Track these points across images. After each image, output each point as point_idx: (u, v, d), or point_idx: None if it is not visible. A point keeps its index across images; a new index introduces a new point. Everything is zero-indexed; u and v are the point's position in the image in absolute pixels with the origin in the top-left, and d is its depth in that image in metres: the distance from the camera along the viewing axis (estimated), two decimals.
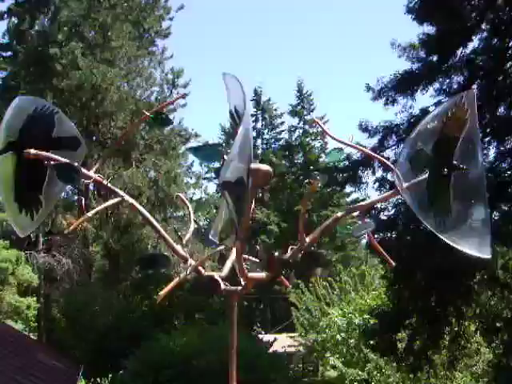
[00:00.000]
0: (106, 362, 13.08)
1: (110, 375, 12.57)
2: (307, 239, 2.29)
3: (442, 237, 2.01)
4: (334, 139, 2.57)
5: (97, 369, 13.50)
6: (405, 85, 15.36)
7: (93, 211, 2.49)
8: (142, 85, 22.18)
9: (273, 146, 41.32)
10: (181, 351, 9.50)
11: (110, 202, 2.42)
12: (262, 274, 2.31)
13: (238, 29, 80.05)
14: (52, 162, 2.18)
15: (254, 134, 39.96)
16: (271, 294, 37.11)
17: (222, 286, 2.31)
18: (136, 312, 16.53)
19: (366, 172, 15.81)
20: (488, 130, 14.89)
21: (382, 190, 15.33)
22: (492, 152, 15.01)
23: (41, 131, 2.31)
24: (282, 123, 41.18)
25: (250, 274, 2.30)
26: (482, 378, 16.50)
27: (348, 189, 19.00)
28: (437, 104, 15.22)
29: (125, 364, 10.30)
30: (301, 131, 40.70)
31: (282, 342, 25.76)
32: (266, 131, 39.71)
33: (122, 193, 2.41)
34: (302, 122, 40.55)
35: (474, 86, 15.30)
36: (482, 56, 14.70)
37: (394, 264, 2.22)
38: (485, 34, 14.46)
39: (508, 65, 14.43)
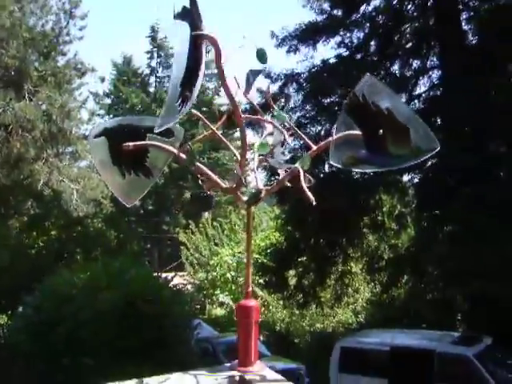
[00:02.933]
0: (5, 299, 12.78)
1: (10, 312, 12.35)
2: None
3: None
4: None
5: None
6: (308, 35, 15.76)
7: None
8: (37, 12, 20.84)
9: (166, 84, 40.50)
10: (85, 285, 9.36)
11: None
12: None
13: None
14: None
15: (148, 71, 38.98)
16: (158, 233, 37.33)
17: (243, 198, 2.77)
18: (34, 248, 16.16)
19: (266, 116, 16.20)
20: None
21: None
22: None
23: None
24: None
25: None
26: (360, 314, 18.10)
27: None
28: (337, 57, 15.93)
29: (26, 300, 10.08)
30: None
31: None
32: (160, 69, 38.81)
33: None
34: None
35: (372, 43, 16.17)
36: (382, 15, 15.46)
37: (313, 201, 2.49)
38: None
39: (405, 26, 15.27)
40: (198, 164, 2.78)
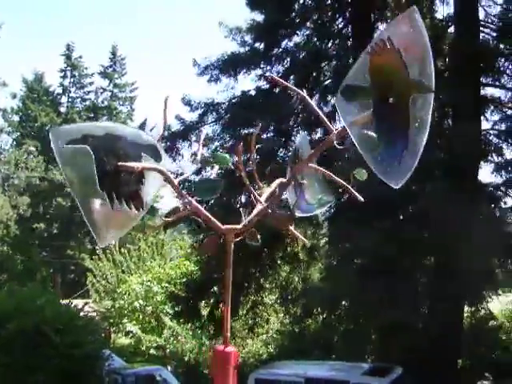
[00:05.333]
0: None
1: None
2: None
3: (374, 169, 2.00)
4: (298, 92, 2.70)
5: None
6: (230, 66, 15.96)
7: None
8: None
9: (78, 105, 39.58)
10: None
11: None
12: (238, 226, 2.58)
13: None
14: None
15: (61, 90, 37.81)
16: (63, 258, 35.84)
17: (223, 226, 2.53)
18: None
19: (183, 144, 16.10)
20: (299, 120, 16.30)
21: (195, 164, 15.77)
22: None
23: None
24: (91, 83, 39.65)
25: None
26: (270, 344, 18.11)
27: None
28: (257, 89, 16.20)
29: None
30: (109, 94, 39.61)
31: None
32: (73, 89, 37.86)
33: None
34: (111, 85, 39.46)
35: (292, 77, 16.60)
36: (303, 51, 15.95)
37: (361, 198, 2.35)
38: (308, 31, 15.69)
39: (324, 64, 15.82)
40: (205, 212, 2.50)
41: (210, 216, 2.44)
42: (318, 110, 2.21)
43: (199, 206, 2.42)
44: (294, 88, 2.60)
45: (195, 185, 2.61)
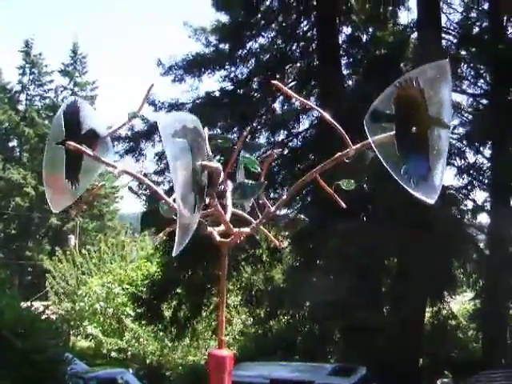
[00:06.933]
0: None
1: None
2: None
3: (407, 187, 2.12)
4: (303, 101, 2.71)
5: None
6: (194, 66, 15.89)
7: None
8: None
9: (37, 103, 38.78)
10: None
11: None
12: (247, 230, 2.51)
13: None
14: None
15: (19, 87, 36.94)
16: (20, 259, 35.08)
17: (218, 238, 2.44)
18: None
19: (146, 144, 15.94)
20: (263, 121, 16.36)
21: (158, 164, 15.63)
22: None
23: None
24: (51, 81, 38.89)
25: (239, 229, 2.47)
26: (232, 346, 18.08)
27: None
28: (221, 90, 16.17)
29: None
30: (70, 93, 38.89)
31: None
32: (32, 87, 37.03)
33: (113, 164, 2.38)
34: (72, 84, 38.81)
35: (255, 79, 16.65)
36: (267, 53, 16.01)
37: (344, 205, 2.39)
38: (273, 33, 15.76)
39: (289, 66, 15.92)
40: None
41: (228, 222, 2.40)
42: (334, 122, 2.26)
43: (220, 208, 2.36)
44: (302, 99, 2.61)
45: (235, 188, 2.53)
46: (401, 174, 2.11)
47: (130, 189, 2.52)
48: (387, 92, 2.14)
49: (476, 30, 15.30)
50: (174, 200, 2.34)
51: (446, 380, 13.86)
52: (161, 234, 2.37)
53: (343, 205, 2.41)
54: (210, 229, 2.38)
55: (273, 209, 2.50)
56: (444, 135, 2.19)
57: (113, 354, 19.65)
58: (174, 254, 1.90)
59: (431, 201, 2.10)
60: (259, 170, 2.58)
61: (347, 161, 2.30)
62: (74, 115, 2.32)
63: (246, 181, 2.51)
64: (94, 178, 2.43)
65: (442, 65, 2.18)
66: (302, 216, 15.72)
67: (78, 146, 2.21)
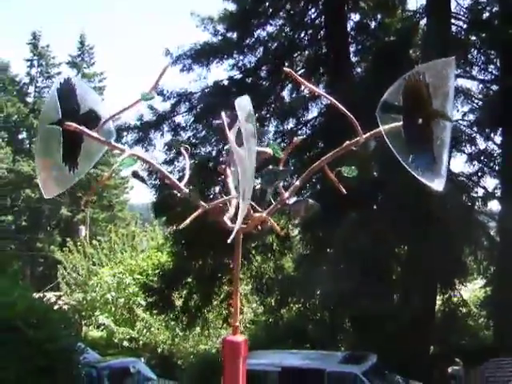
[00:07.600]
0: None
1: None
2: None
3: (416, 174, 2.18)
4: (313, 89, 2.73)
5: None
6: (202, 55, 15.82)
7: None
8: None
9: (46, 95, 38.81)
10: None
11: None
12: (262, 215, 2.52)
13: None
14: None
15: (28, 80, 37.02)
16: (31, 251, 35.31)
17: (230, 224, 2.45)
18: None
19: (155, 134, 15.93)
20: (271, 110, 16.28)
21: (167, 153, 15.60)
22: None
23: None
24: (59, 73, 38.87)
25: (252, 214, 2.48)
26: (243, 334, 18.15)
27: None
28: (230, 79, 16.12)
29: None
30: None
31: None
32: (40, 79, 37.10)
33: (122, 147, 2.36)
34: (80, 75, 38.83)
35: (264, 67, 16.57)
36: (275, 41, 15.92)
37: (344, 192, 2.41)
38: (281, 21, 15.66)
39: (297, 54, 15.82)
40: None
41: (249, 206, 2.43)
42: (346, 110, 2.29)
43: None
44: (313, 87, 2.63)
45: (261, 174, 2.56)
46: (409, 162, 2.17)
47: (135, 174, 2.47)
48: (397, 84, 2.18)
49: (486, 14, 15.09)
50: (185, 186, 2.35)
51: (456, 367, 13.83)
52: (187, 221, 2.34)
53: (344, 191, 2.43)
54: (224, 218, 2.39)
55: (286, 194, 2.51)
56: (447, 128, 2.24)
57: (125, 343, 19.78)
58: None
59: (439, 188, 2.13)
60: (282, 155, 2.61)
61: (354, 148, 2.32)
62: (69, 93, 2.19)
63: (272, 167, 2.53)
64: (93, 163, 2.33)
65: (449, 61, 2.24)
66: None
67: (79, 127, 2.12)
